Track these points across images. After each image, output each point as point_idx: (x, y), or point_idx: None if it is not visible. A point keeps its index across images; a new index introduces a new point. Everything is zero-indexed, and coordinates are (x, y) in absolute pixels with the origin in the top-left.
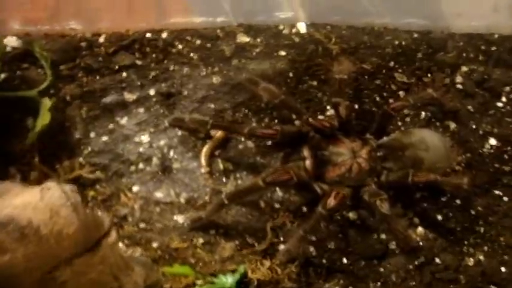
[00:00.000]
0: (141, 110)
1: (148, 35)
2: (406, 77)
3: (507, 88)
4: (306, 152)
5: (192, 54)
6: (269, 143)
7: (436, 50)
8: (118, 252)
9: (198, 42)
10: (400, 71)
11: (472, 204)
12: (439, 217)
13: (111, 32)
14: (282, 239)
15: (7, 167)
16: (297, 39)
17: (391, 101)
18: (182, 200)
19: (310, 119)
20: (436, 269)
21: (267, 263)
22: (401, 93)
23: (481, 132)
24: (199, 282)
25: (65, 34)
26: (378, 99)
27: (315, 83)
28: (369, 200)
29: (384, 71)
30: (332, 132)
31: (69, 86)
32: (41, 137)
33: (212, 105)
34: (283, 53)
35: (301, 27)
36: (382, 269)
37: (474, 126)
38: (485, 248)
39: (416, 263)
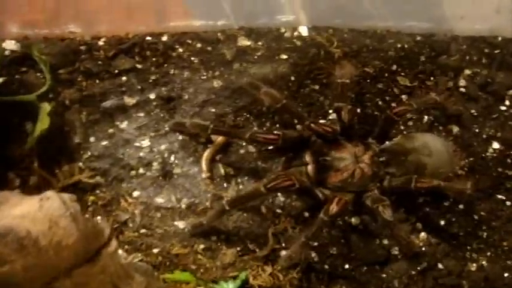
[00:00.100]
0: (141, 114)
1: (148, 38)
2: (409, 80)
3: (511, 91)
4: (307, 157)
5: (192, 58)
6: (270, 147)
7: (439, 53)
8: (118, 261)
9: (199, 45)
10: (402, 74)
11: (475, 209)
12: (442, 222)
13: (111, 35)
14: (283, 244)
15: (6, 172)
16: (298, 43)
17: (393, 104)
18: (183, 206)
19: (312, 124)
20: (438, 275)
21: (269, 269)
22: (404, 96)
23: (484, 136)
24: None
25: (64, 37)
26: (380, 103)
27: (316, 87)
28: (371, 206)
29: (386, 74)
30: (334, 137)
31: (68, 90)
32: (40, 142)
33: (213, 110)
34: (284, 56)
35: (303, 31)
36: (384, 275)
37: (477, 130)
38: (488, 253)
39: (418, 268)
